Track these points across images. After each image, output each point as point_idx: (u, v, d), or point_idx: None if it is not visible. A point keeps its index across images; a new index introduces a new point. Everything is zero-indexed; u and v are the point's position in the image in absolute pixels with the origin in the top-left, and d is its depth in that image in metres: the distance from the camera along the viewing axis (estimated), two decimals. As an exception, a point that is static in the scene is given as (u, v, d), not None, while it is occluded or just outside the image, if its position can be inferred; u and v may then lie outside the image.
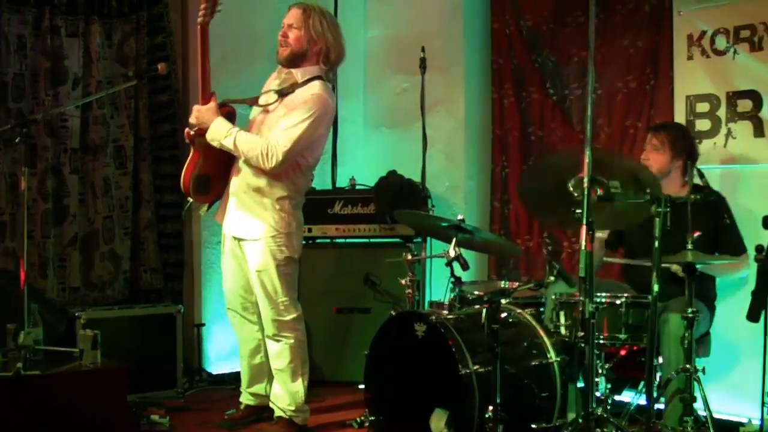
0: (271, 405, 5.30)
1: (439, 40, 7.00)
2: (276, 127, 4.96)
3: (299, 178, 5.15)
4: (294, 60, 5.08)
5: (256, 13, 6.95)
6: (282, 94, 5.05)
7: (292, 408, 5.21)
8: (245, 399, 5.53)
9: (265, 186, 5.07)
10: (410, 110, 6.72)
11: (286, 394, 5.22)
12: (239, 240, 5.19)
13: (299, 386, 5.22)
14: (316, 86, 5.01)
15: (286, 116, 4.97)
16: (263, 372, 5.47)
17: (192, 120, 5.04)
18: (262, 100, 5.13)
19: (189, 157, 5.17)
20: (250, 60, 6.65)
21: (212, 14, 4.83)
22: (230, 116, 5.10)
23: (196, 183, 5.14)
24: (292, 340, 5.18)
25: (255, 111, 5.25)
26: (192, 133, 5.07)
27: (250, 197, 5.10)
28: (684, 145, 5.12)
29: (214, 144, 4.99)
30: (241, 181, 5.12)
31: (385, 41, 7.51)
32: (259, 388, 5.49)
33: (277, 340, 5.18)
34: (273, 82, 5.22)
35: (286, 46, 5.07)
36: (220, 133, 4.94)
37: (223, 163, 5.17)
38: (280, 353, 5.20)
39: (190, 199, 5.27)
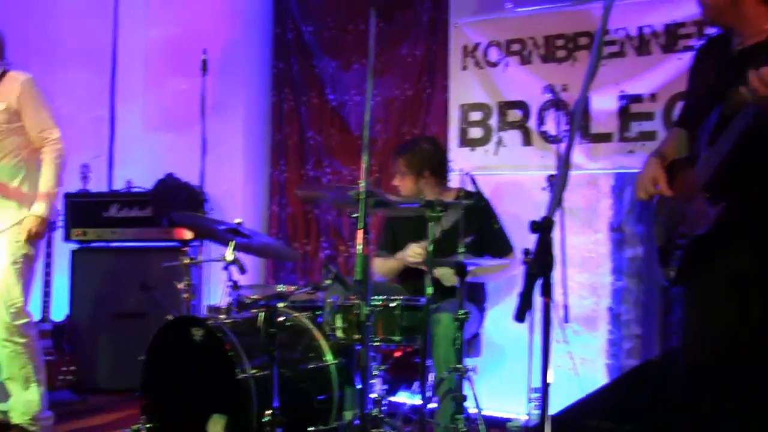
0: (8, 415, 5.11)
1: (221, 42, 6.98)
2: (31, 129, 5.03)
3: (33, 159, 5.12)
4: None
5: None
6: None
7: (28, 417, 5.04)
8: None
9: (6, 178, 5.05)
10: (190, 112, 6.64)
11: (20, 402, 5.05)
12: None
13: (34, 394, 5.05)
14: (9, 74, 5.06)
15: (22, 112, 5.01)
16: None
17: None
18: None
19: None
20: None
21: None
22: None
23: None
24: (20, 346, 4.99)
25: None
26: None
27: None
28: (420, 163, 5.19)
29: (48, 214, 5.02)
30: None
31: (165, 42, 7.40)
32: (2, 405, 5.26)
33: (5, 346, 4.98)
34: None
35: None
36: (43, 210, 4.98)
37: None
38: (12, 359, 5.00)
39: None
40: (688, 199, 3.24)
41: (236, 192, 7.01)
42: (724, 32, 3.38)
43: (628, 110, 5.45)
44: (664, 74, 5.32)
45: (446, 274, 4.94)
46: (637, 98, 5.43)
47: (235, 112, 7.02)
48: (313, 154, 6.85)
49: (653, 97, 5.37)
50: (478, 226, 4.97)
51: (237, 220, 4.81)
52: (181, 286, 5.22)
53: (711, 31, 3.62)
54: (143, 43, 7.51)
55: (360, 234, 3.74)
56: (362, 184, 3.80)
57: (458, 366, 4.37)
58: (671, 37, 5.35)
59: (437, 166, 5.26)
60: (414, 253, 5.00)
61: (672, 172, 3.34)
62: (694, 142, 3.30)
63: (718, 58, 3.36)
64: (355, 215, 3.80)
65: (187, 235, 6.37)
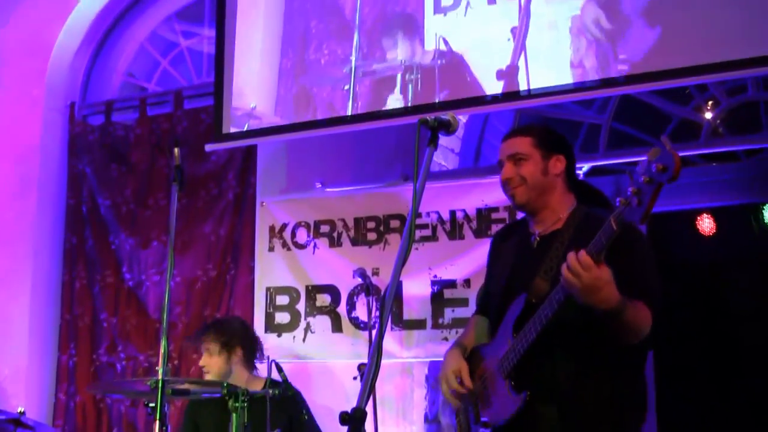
0: None
1: (9, 212, 6.71)
2: None
3: None
4: None
5: None
6: None
7: None
8: None
9: None
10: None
11: None
12: None
13: None
14: None
15: None
16: None
17: None
18: None
19: None
20: None
21: None
22: None
23: None
24: None
25: None
26: None
27: None
28: (231, 336, 4.92)
29: None
30: None
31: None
32: None
33: None
34: None
35: None
36: None
37: None
38: None
39: None
40: (491, 387, 3.29)
41: (20, 377, 6.54)
42: (520, 220, 3.57)
43: (441, 296, 5.45)
44: (478, 259, 5.29)
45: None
46: (450, 284, 5.44)
47: (21, 288, 6.63)
48: (106, 338, 6.50)
49: (467, 282, 5.39)
50: (287, 417, 4.73)
51: (19, 409, 4.62)
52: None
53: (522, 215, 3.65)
54: None
55: (156, 426, 3.50)
56: (160, 371, 3.55)
57: None
58: (483, 222, 5.44)
59: (249, 343, 4.99)
60: None
61: (473, 360, 3.39)
62: (497, 329, 3.35)
63: (517, 245, 3.47)
64: (151, 405, 3.57)
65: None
